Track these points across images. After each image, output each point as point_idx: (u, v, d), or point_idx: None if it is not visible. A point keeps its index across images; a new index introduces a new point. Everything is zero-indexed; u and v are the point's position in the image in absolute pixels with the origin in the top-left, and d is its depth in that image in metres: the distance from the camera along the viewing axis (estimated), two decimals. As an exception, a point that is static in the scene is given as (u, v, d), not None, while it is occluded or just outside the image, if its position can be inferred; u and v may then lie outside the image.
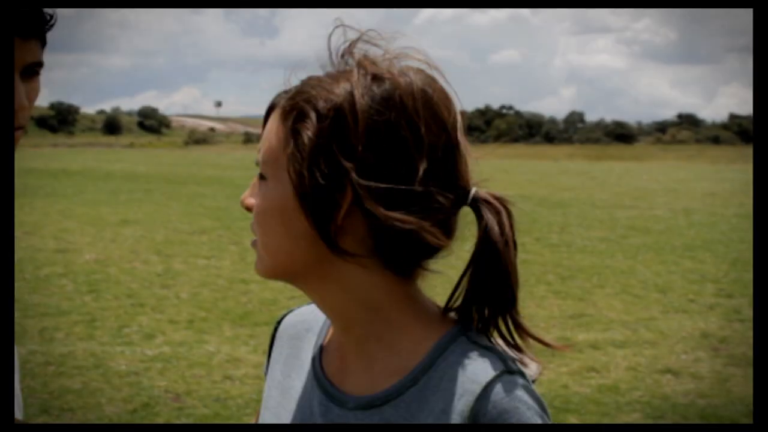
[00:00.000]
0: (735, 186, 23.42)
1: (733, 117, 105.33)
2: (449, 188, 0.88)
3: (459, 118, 0.90)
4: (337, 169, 0.85)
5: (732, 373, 5.62)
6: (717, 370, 5.73)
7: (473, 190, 0.90)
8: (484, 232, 0.88)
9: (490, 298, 0.89)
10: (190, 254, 10.29)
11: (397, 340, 0.91)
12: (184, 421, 4.66)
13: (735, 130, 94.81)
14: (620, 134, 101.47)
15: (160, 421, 4.65)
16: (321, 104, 0.86)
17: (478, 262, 0.89)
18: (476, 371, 0.86)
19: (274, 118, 0.91)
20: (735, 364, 5.81)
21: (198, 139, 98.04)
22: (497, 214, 0.89)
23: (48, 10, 1.26)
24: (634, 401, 5.08)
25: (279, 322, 1.09)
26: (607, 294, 8.26)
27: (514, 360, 0.89)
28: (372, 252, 0.87)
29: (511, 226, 0.89)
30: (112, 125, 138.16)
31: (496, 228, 0.88)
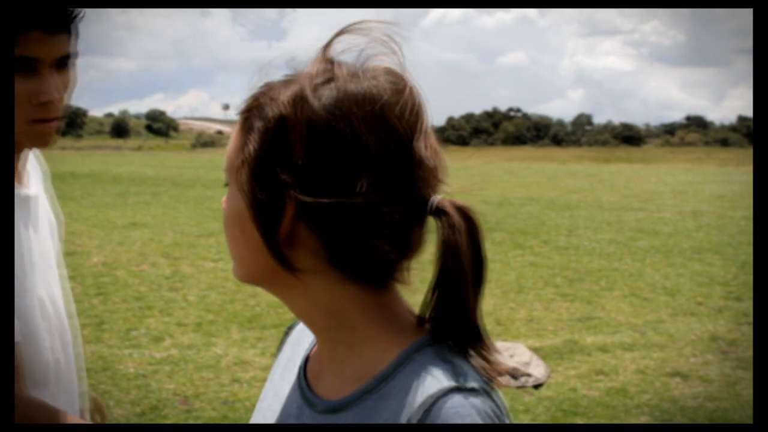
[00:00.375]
0: (743, 188, 23.31)
1: (741, 119, 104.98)
2: (401, 200, 0.84)
3: (423, 123, 0.86)
4: (277, 182, 0.83)
5: (741, 377, 5.60)
6: (726, 373, 5.71)
7: (433, 200, 0.85)
8: (440, 250, 0.85)
9: (453, 322, 0.86)
10: (198, 257, 10.32)
11: (364, 347, 0.89)
12: (192, 423, 4.67)
13: (743, 133, 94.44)
14: (628, 136, 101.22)
15: (168, 423, 4.66)
16: (266, 113, 0.84)
17: (437, 280, 0.86)
18: (427, 384, 0.82)
19: (236, 124, 0.90)
20: (744, 367, 5.79)
21: (206, 142, 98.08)
22: (454, 228, 0.84)
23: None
24: (642, 404, 5.06)
25: (290, 329, 1.10)
26: (615, 297, 8.24)
27: (475, 376, 0.84)
28: (328, 263, 0.86)
29: (473, 241, 0.85)
30: (120, 128, 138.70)
31: (452, 245, 0.84)
